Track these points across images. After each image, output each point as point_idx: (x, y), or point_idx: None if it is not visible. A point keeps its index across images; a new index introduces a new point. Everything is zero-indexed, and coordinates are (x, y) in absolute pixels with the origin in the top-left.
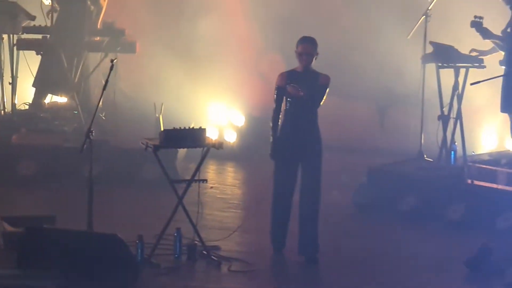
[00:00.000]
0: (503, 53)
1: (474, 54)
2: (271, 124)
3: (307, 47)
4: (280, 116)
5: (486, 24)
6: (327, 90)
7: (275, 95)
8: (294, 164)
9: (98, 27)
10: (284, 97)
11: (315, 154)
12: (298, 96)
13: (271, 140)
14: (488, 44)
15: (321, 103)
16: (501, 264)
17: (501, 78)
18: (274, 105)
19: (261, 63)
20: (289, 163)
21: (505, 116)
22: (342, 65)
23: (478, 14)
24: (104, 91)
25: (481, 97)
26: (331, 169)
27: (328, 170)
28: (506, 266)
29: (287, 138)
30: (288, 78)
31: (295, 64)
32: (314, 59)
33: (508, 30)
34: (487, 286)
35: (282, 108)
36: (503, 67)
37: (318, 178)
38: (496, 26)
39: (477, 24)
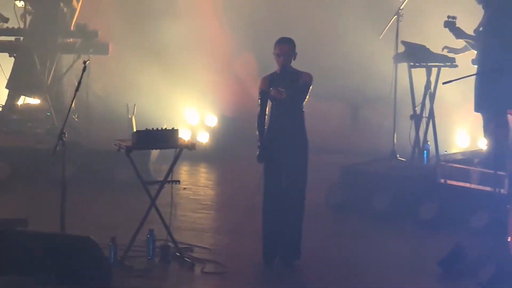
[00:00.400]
0: (475, 52)
1: (446, 51)
2: (256, 130)
3: (284, 47)
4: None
5: (458, 23)
6: (310, 88)
7: (259, 100)
8: (281, 167)
9: (72, 29)
10: (269, 101)
11: (300, 158)
12: (280, 98)
13: (258, 144)
14: (460, 43)
15: (305, 102)
16: (474, 264)
17: (474, 77)
18: (258, 110)
19: (234, 64)
20: (277, 166)
21: (478, 115)
22: (314, 65)
23: (451, 14)
24: (77, 93)
25: (453, 96)
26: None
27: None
28: (479, 266)
29: (273, 141)
30: (270, 81)
31: (267, 64)
32: (292, 59)
33: (481, 29)
34: (460, 286)
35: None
36: (476, 66)
37: (302, 182)
38: (468, 26)
39: (450, 24)
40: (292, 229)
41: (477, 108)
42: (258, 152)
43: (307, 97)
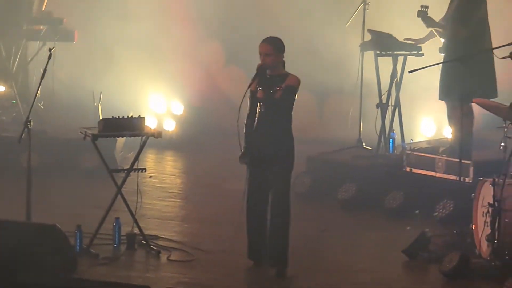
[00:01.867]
0: (441, 39)
1: (411, 43)
2: (244, 130)
3: (263, 46)
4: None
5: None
6: (295, 92)
7: (249, 99)
8: (265, 170)
9: (37, 15)
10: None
11: (283, 164)
12: (261, 98)
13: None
14: (422, 33)
15: (289, 106)
16: (439, 251)
17: (440, 65)
18: (248, 110)
19: (201, 52)
20: (260, 169)
21: (443, 103)
22: None
23: (423, 4)
24: (43, 80)
25: (419, 85)
26: None
27: None
28: (443, 254)
29: (257, 143)
30: (259, 82)
31: (235, 53)
32: (276, 59)
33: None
34: (425, 273)
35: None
36: (442, 55)
37: (285, 189)
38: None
39: (422, 13)
40: (277, 238)
41: (442, 96)
42: (240, 153)
43: (293, 102)
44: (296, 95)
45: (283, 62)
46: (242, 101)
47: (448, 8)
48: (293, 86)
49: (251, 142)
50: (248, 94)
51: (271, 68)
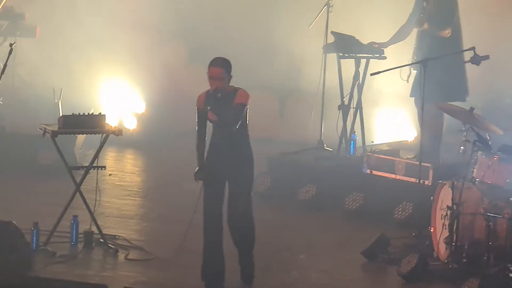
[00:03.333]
0: (400, 43)
1: (375, 46)
2: (196, 150)
3: (215, 71)
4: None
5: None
6: (246, 108)
7: (197, 118)
8: (221, 186)
9: None
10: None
11: (242, 179)
12: (215, 121)
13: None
14: (386, 34)
15: (241, 122)
16: (398, 253)
17: (407, 68)
18: (196, 128)
19: (163, 51)
20: (218, 188)
21: (406, 107)
22: (241, 54)
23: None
24: (2, 76)
25: (381, 88)
26: None
27: None
28: (402, 255)
29: (213, 161)
30: (206, 101)
31: (196, 52)
32: (226, 82)
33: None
34: (384, 275)
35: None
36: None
37: (247, 202)
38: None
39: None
40: (247, 252)
41: (414, 94)
42: (196, 170)
43: (246, 117)
44: (247, 109)
45: (230, 78)
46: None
47: (419, 7)
48: (244, 104)
49: (207, 160)
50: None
51: (222, 90)
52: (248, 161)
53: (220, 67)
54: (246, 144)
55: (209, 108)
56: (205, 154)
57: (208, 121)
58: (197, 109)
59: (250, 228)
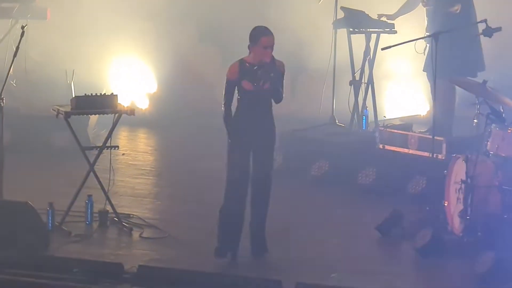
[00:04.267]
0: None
1: (383, 19)
2: (224, 122)
3: (272, 39)
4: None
5: None
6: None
7: (226, 88)
8: (248, 154)
9: None
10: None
11: (268, 149)
12: (249, 90)
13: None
14: (395, 9)
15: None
16: (411, 228)
17: (423, 41)
18: (224, 99)
19: (174, 31)
20: (245, 156)
21: (418, 81)
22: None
23: None
24: (15, 58)
25: (392, 62)
26: None
27: None
28: (416, 230)
29: (242, 131)
30: (241, 72)
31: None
32: None
33: None
34: (398, 250)
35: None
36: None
37: (268, 172)
38: None
39: None
40: (257, 221)
41: (427, 69)
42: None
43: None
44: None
45: None
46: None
47: None
48: (283, 72)
49: (234, 130)
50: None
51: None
52: (273, 131)
53: (273, 35)
54: (271, 115)
55: (245, 78)
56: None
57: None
58: (228, 79)
59: (267, 196)
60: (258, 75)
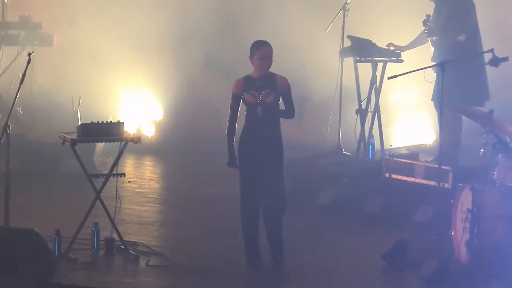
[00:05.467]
0: (418, 48)
1: (392, 48)
2: (226, 135)
3: (269, 51)
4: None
5: (407, 19)
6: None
7: (231, 103)
8: (259, 171)
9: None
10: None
11: (277, 163)
12: (251, 103)
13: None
14: (403, 38)
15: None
16: (418, 257)
17: (430, 71)
18: (229, 113)
19: (180, 57)
20: (254, 171)
21: (424, 110)
22: None
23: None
24: (21, 85)
25: (399, 91)
26: None
27: None
28: (422, 259)
29: (249, 145)
30: (245, 85)
31: (214, 58)
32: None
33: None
34: (404, 279)
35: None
36: (433, 63)
37: (280, 186)
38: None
39: (425, 23)
40: (272, 235)
41: (435, 98)
42: (228, 158)
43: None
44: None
45: None
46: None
47: (436, 14)
48: (289, 87)
49: (242, 144)
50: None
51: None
52: (281, 145)
53: (270, 46)
54: (279, 129)
55: (249, 91)
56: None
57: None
58: (233, 93)
59: (281, 210)
60: (257, 87)
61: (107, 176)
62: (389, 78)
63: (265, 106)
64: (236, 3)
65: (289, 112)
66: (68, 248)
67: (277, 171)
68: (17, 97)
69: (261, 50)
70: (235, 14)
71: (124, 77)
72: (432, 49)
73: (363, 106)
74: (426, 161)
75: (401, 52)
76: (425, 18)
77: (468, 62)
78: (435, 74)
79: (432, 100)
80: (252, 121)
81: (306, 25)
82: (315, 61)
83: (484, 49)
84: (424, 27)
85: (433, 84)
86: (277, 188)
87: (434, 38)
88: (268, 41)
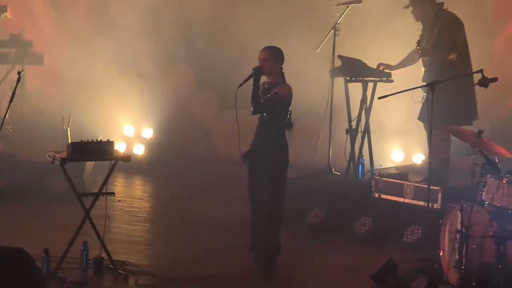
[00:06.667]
0: (408, 67)
1: (382, 67)
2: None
3: (263, 51)
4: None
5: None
6: (281, 100)
7: (286, 104)
8: (258, 166)
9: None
10: None
11: (266, 167)
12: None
13: None
14: (393, 59)
15: (276, 113)
16: (407, 277)
17: (420, 91)
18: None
19: (171, 76)
20: (254, 166)
21: (414, 130)
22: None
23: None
24: (11, 103)
25: (389, 111)
26: (239, 181)
27: (235, 182)
28: (411, 280)
29: (253, 141)
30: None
31: (205, 78)
32: (272, 67)
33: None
34: None
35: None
36: (423, 83)
37: (270, 186)
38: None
39: (419, 43)
40: (259, 239)
41: (422, 118)
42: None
43: (284, 110)
44: (288, 103)
45: (282, 73)
46: (236, 102)
47: (425, 34)
48: (280, 94)
49: (252, 142)
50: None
51: (267, 74)
52: (274, 152)
53: (268, 50)
54: (275, 136)
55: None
56: None
57: None
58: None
59: (267, 218)
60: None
61: (97, 195)
62: (379, 98)
63: (256, 110)
64: (226, 24)
65: (262, 107)
66: (57, 267)
67: (266, 175)
68: (7, 115)
69: (259, 52)
70: (225, 35)
71: (115, 96)
72: (423, 69)
73: (354, 126)
74: (416, 181)
75: (391, 72)
76: (419, 39)
77: (457, 82)
78: (424, 94)
79: (418, 119)
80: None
81: (297, 45)
82: (305, 81)
83: (474, 69)
84: (417, 47)
85: (421, 104)
86: (267, 186)
87: (425, 58)
88: (257, 62)
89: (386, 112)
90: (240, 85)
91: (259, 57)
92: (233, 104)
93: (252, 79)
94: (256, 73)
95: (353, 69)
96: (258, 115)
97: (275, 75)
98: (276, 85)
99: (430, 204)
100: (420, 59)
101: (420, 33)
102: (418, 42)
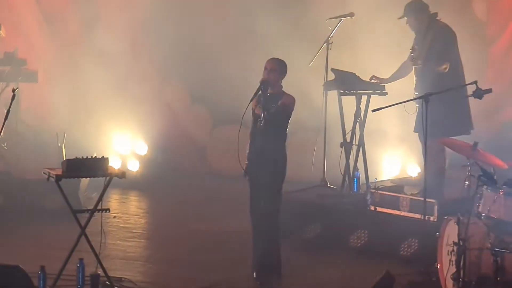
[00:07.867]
0: (400, 80)
1: (374, 81)
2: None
3: (270, 62)
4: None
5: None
6: (288, 110)
7: (251, 117)
8: (257, 182)
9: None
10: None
11: (266, 178)
12: (258, 115)
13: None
14: (386, 72)
15: (282, 124)
16: None
17: (413, 103)
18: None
19: (164, 92)
20: (254, 181)
21: (409, 142)
22: (242, 92)
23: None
24: (6, 121)
25: (383, 124)
26: (234, 197)
27: (230, 198)
28: None
29: (250, 160)
30: (258, 99)
31: (199, 93)
32: (277, 78)
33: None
34: None
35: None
36: (416, 93)
37: (270, 201)
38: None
39: (414, 51)
40: (260, 249)
41: (418, 129)
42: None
43: (287, 121)
44: (291, 113)
45: (281, 85)
46: (243, 115)
47: (418, 44)
48: (287, 104)
49: (249, 155)
50: (250, 110)
51: (272, 85)
52: (280, 161)
53: (275, 61)
54: (278, 149)
55: (258, 105)
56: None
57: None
58: (251, 106)
59: (269, 229)
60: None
61: (92, 212)
62: (373, 110)
63: (267, 120)
64: (220, 39)
65: (271, 118)
66: (53, 285)
67: (268, 188)
68: (2, 133)
69: (266, 62)
70: (219, 51)
71: (109, 112)
72: (415, 79)
73: (348, 139)
74: (412, 194)
75: (385, 85)
76: (413, 47)
77: (451, 94)
78: (417, 105)
79: (415, 131)
80: (254, 135)
81: (290, 59)
82: (299, 95)
83: (467, 80)
84: (411, 53)
85: (415, 116)
86: (266, 201)
87: (418, 67)
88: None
89: (381, 124)
90: (251, 100)
91: (265, 67)
92: (227, 120)
93: (260, 92)
94: (264, 85)
95: (346, 82)
96: (251, 126)
97: (277, 86)
98: (277, 95)
99: (426, 216)
100: (413, 69)
101: (413, 42)
102: (412, 49)
